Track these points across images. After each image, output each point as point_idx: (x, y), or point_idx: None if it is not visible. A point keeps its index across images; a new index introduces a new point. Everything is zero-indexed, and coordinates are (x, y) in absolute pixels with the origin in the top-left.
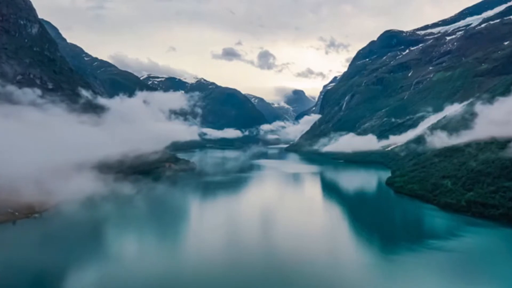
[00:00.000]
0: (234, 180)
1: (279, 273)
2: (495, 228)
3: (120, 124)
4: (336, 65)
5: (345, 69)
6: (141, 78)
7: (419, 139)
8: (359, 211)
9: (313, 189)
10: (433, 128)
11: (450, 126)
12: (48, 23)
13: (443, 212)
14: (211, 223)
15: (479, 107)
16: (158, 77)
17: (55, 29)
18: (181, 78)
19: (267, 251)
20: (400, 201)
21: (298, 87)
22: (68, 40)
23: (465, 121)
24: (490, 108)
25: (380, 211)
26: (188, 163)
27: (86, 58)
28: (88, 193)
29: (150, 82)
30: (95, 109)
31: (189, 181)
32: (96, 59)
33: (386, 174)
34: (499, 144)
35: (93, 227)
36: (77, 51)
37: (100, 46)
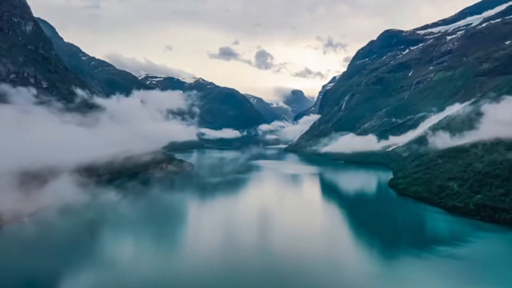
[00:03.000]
0: (231, 182)
1: (279, 278)
2: (507, 233)
3: (114, 124)
4: (334, 64)
5: (344, 68)
6: (139, 78)
7: (421, 140)
8: (362, 214)
9: (313, 191)
10: (434, 128)
11: (452, 126)
12: (45, 22)
13: (450, 215)
14: (204, 228)
15: (482, 107)
16: (156, 77)
17: (51, 28)
18: (180, 78)
19: (266, 256)
20: (404, 204)
21: (297, 87)
22: (64, 40)
23: (468, 121)
24: (494, 108)
25: (384, 214)
26: (183, 164)
27: (83, 58)
28: (66, 199)
29: (148, 82)
30: (90, 108)
31: (182, 183)
32: (93, 58)
33: (387, 175)
34: (506, 145)
35: (74, 236)
36: (74, 51)
37: (95, 46)
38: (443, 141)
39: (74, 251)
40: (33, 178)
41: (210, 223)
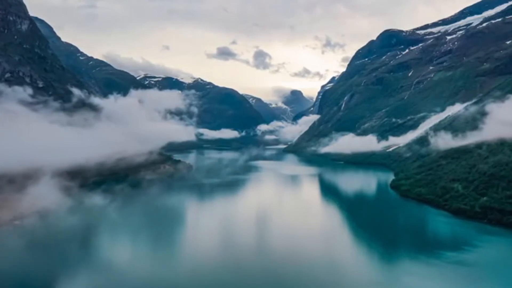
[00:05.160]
0: (230, 183)
1: (279, 283)
2: None
3: (110, 124)
4: (333, 64)
5: (343, 68)
6: (138, 78)
7: (422, 140)
8: (364, 216)
9: (313, 192)
10: (436, 128)
11: (454, 126)
12: (42, 21)
13: (455, 218)
14: (201, 231)
15: (485, 107)
16: (155, 77)
17: (49, 27)
18: (178, 78)
19: (265, 261)
20: (407, 206)
21: (295, 87)
22: (61, 39)
23: (471, 121)
24: (498, 107)
25: (387, 216)
26: (180, 164)
27: (81, 58)
28: (46, 205)
29: (147, 82)
30: (87, 108)
31: (179, 184)
32: (91, 58)
33: (388, 176)
34: (511, 146)
35: (54, 244)
36: (71, 50)
37: (92, 46)
38: (445, 141)
39: (56, 261)
40: (10, 182)
41: (207, 226)
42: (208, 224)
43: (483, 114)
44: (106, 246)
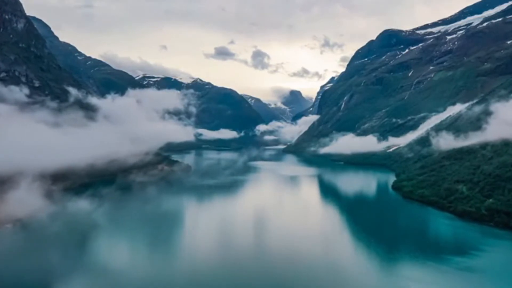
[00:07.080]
0: (229, 184)
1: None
2: None
3: (107, 125)
4: (332, 64)
5: (341, 68)
6: (137, 78)
7: (423, 140)
8: (366, 218)
9: (313, 194)
10: (437, 129)
11: (456, 126)
12: (40, 21)
13: (461, 221)
14: (199, 236)
15: (487, 107)
16: (153, 77)
17: (47, 27)
18: (177, 78)
19: (265, 265)
20: (410, 208)
21: (294, 87)
22: (59, 39)
23: (474, 121)
24: (503, 107)
25: (390, 219)
26: (176, 166)
27: (79, 57)
28: (27, 210)
29: (145, 82)
30: (84, 109)
31: (175, 186)
32: (89, 58)
33: (389, 177)
34: None
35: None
36: (70, 50)
37: (90, 46)
38: (447, 142)
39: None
40: None
41: (205, 228)
42: (206, 226)
43: (487, 114)
44: (84, 254)
